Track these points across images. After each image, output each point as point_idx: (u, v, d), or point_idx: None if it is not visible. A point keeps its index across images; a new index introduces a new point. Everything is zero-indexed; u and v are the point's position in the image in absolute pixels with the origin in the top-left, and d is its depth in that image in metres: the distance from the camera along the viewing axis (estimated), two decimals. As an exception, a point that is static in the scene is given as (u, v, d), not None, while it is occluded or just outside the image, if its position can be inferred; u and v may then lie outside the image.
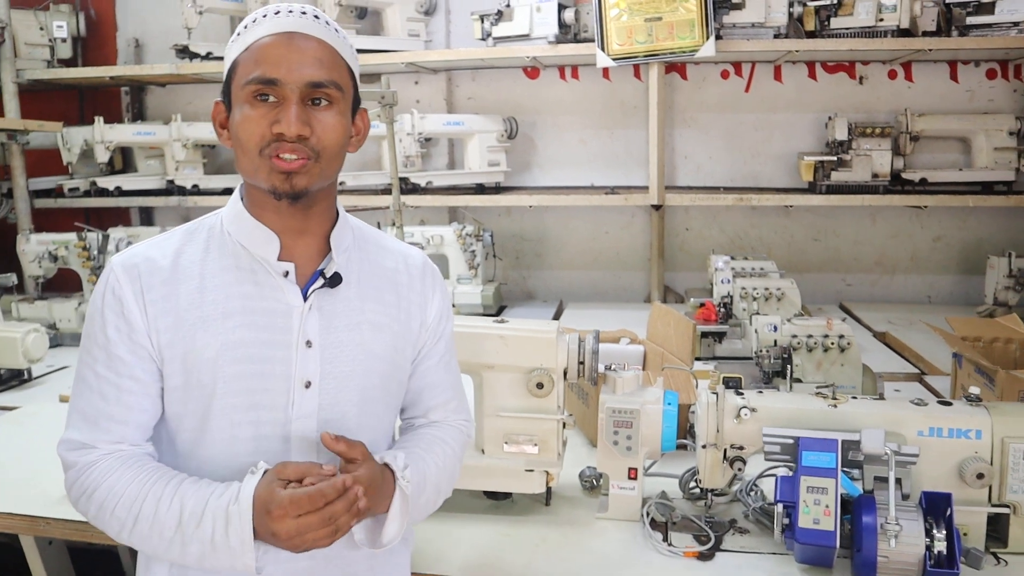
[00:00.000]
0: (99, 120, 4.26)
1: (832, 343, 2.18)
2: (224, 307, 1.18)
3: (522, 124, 4.20)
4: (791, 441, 1.50)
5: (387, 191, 4.13)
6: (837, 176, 3.71)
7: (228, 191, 4.41)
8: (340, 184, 4.18)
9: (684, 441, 1.83)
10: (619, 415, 1.62)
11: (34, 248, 3.64)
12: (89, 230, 3.54)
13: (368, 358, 1.24)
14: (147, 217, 4.81)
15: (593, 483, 1.81)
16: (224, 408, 1.18)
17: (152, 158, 4.66)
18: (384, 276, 1.30)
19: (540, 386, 1.63)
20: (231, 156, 4.56)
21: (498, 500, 1.76)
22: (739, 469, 1.55)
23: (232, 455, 1.19)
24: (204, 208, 4.47)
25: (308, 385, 1.20)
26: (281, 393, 1.20)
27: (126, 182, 4.38)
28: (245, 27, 1.18)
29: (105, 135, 4.27)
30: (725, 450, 1.57)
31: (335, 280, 1.22)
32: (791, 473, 1.48)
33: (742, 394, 1.59)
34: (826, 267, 4.22)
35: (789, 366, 2.18)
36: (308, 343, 1.20)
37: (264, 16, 1.17)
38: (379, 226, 2.33)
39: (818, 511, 1.39)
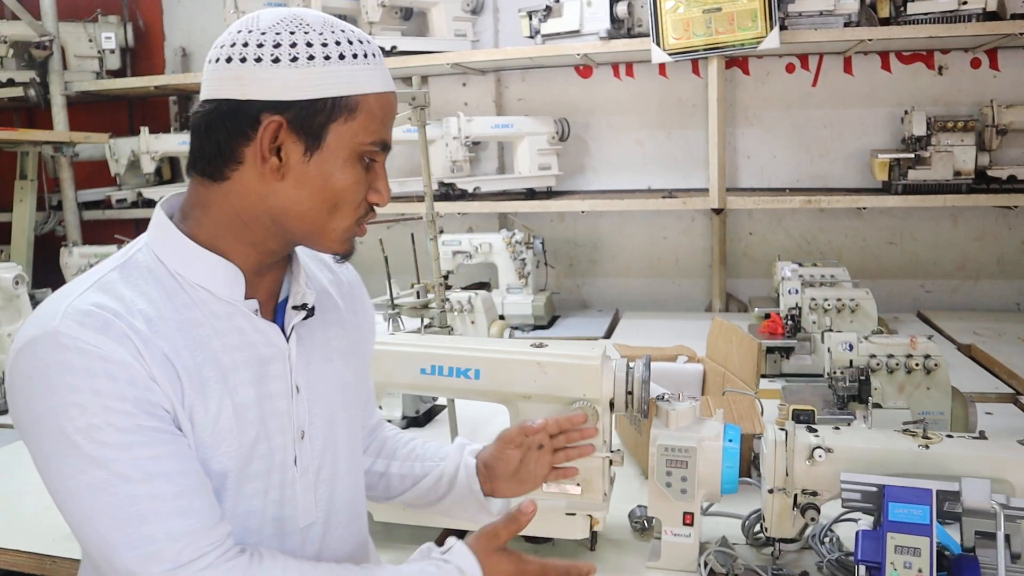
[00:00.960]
0: (144, 131, 4.24)
1: (917, 364, 1.94)
2: (216, 364, 1.00)
3: (575, 125, 4.03)
4: (875, 490, 1.28)
5: (434, 198, 4.00)
6: (915, 175, 3.43)
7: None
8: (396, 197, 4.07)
9: (749, 480, 1.62)
10: (673, 453, 1.42)
11: (76, 261, 3.61)
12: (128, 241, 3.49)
13: (345, 391, 1.14)
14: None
15: (644, 525, 1.62)
16: (238, 482, 1.02)
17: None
18: (327, 293, 1.17)
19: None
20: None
21: (537, 544, 1.58)
22: (811, 519, 1.34)
23: (241, 534, 1.04)
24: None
25: (303, 435, 1.07)
26: (284, 450, 1.06)
27: (171, 192, 4.33)
28: (341, 56, 0.97)
29: (151, 145, 4.25)
30: (796, 496, 1.36)
31: (311, 312, 1.08)
32: (876, 526, 1.27)
33: (815, 431, 1.38)
34: (902, 273, 3.92)
35: (867, 390, 1.95)
36: (297, 388, 1.07)
37: (366, 56, 0.99)
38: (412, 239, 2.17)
39: (909, 575, 1.17)
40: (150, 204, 4.25)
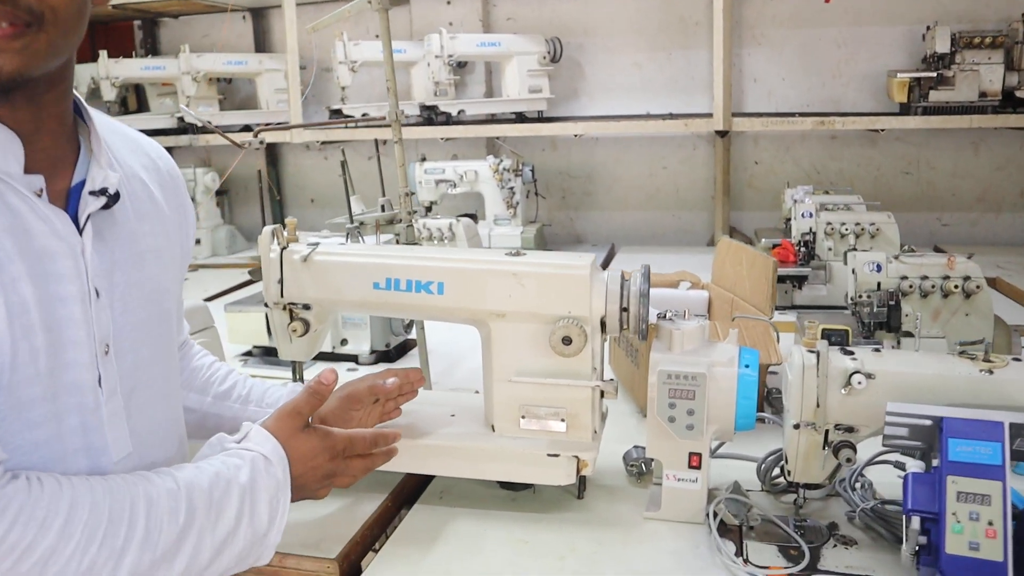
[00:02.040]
0: (103, 55, 3.92)
1: (955, 287, 1.68)
2: None
3: (568, 47, 3.72)
4: (928, 423, 1.03)
5: (416, 123, 3.71)
6: (936, 96, 3.14)
7: (247, 128, 4.07)
8: (363, 115, 3.78)
9: (763, 414, 1.38)
10: (677, 382, 1.17)
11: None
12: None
13: (161, 300, 0.99)
14: (163, 158, 4.45)
15: (642, 469, 1.38)
16: (18, 405, 0.80)
17: (165, 96, 4.33)
18: (140, 181, 0.99)
19: (567, 341, 1.19)
20: (252, 91, 4.20)
21: (515, 491, 1.34)
22: (847, 459, 1.09)
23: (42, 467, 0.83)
24: (219, 147, 4.11)
25: (107, 351, 0.88)
26: (85, 368, 0.85)
27: (135, 122, 4.02)
28: None
29: (111, 71, 3.94)
30: (827, 432, 1.11)
31: (113, 199, 0.89)
32: (928, 469, 1.02)
33: (852, 353, 1.13)
34: (918, 205, 3.65)
35: (897, 317, 1.70)
36: (96, 292, 0.87)
37: None
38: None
39: (977, 530, 0.93)
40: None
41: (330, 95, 4.07)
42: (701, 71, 3.69)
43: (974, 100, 3.10)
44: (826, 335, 1.17)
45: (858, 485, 1.28)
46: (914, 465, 1.03)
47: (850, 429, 1.11)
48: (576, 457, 1.23)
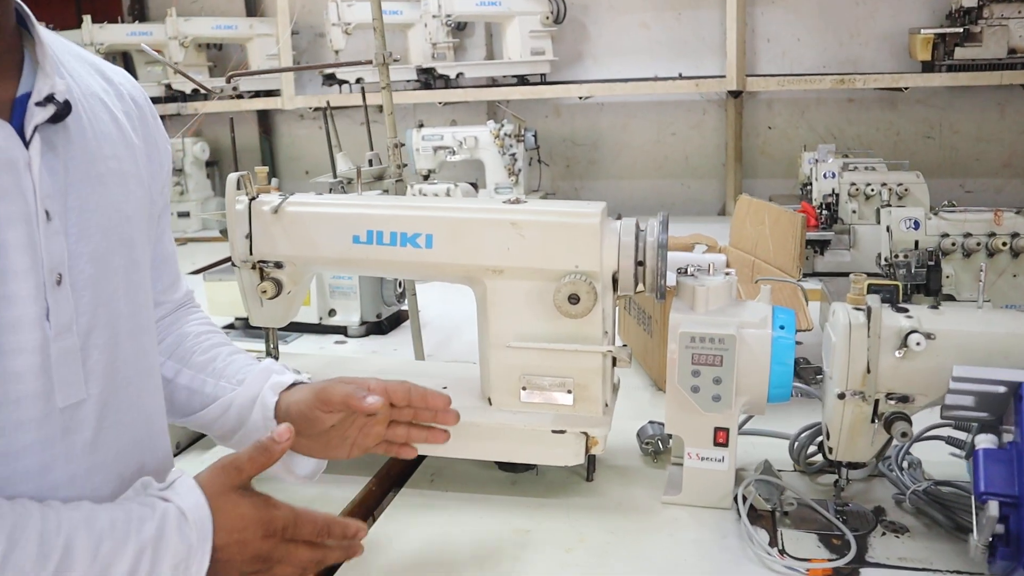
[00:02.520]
0: (87, 20, 3.75)
1: (1003, 244, 1.52)
2: None
3: (572, 7, 3.54)
4: (1002, 390, 0.87)
5: (414, 88, 3.54)
6: (962, 53, 2.96)
7: (240, 95, 3.89)
8: (358, 80, 3.61)
9: (797, 384, 1.22)
10: (702, 346, 1.01)
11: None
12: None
13: (127, 227, 0.85)
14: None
15: (659, 447, 1.22)
16: None
17: (154, 63, 4.15)
18: (99, 101, 0.86)
19: (574, 299, 1.03)
20: (244, 58, 4.03)
21: (516, 473, 1.19)
22: (902, 434, 0.94)
23: None
24: (210, 117, 3.94)
25: (60, 280, 0.73)
26: (28, 301, 0.71)
27: (120, 88, 3.85)
28: None
29: (95, 37, 3.77)
30: (877, 402, 0.96)
31: (64, 108, 0.76)
32: (1002, 445, 0.87)
33: (906, 311, 0.96)
34: (940, 170, 3.47)
35: (937, 279, 1.54)
36: (47, 214, 0.73)
37: None
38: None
39: (1069, 516, 0.77)
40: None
41: (324, 60, 3.89)
42: (712, 31, 3.51)
43: (1002, 57, 2.92)
44: (874, 292, 1.00)
45: (905, 464, 1.12)
46: (985, 441, 0.87)
47: (904, 399, 0.95)
48: (585, 434, 1.07)
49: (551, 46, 3.47)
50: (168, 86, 3.77)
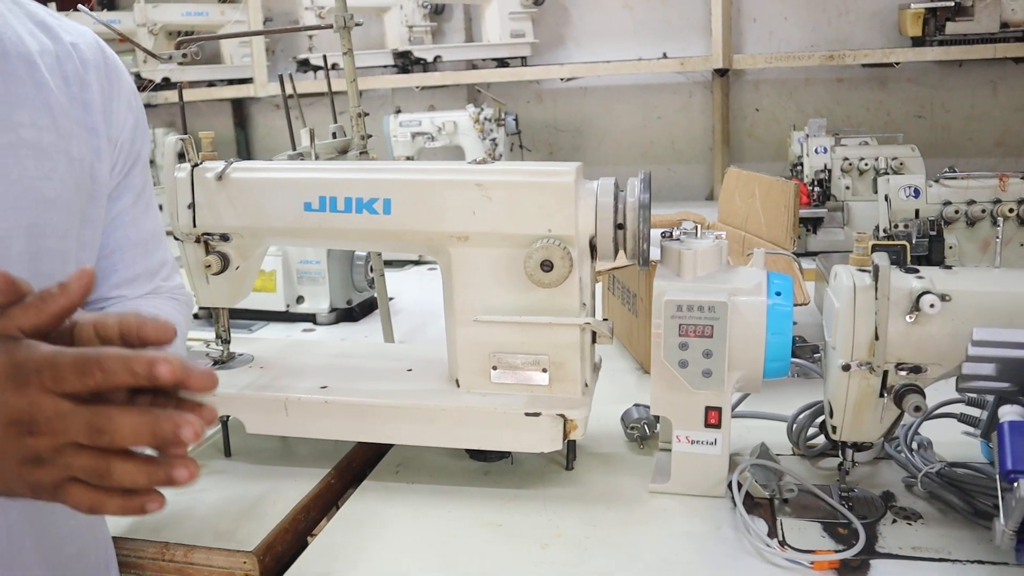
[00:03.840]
0: (52, 7, 3.61)
1: (1010, 211, 1.43)
2: None
3: (553, -12, 3.43)
4: (1028, 354, 0.77)
5: (391, 71, 3.42)
6: (953, 28, 2.87)
7: (212, 84, 3.78)
8: (333, 66, 3.50)
9: (795, 360, 1.12)
10: (690, 316, 0.91)
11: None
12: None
13: (35, 208, 0.74)
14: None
15: (645, 432, 1.12)
16: None
17: (125, 53, 4.02)
18: (27, 61, 0.76)
19: (547, 266, 0.93)
20: (216, 48, 3.90)
21: (488, 462, 1.08)
22: (915, 408, 0.83)
23: None
24: (171, 104, 3.82)
25: None
26: None
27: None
28: None
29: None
30: (886, 374, 0.85)
31: None
32: (1030, 415, 0.77)
33: (917, 271, 0.86)
34: (932, 150, 3.34)
35: (940, 250, 1.44)
36: None
37: None
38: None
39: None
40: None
41: (299, 48, 3.77)
42: (697, 12, 3.41)
43: (995, 31, 2.83)
44: (880, 252, 0.90)
45: (915, 445, 1.02)
46: (1011, 413, 0.78)
47: (917, 369, 0.85)
48: (562, 417, 0.96)
49: (532, 28, 3.36)
50: (137, 74, 3.64)
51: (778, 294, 0.92)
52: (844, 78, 3.36)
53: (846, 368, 0.86)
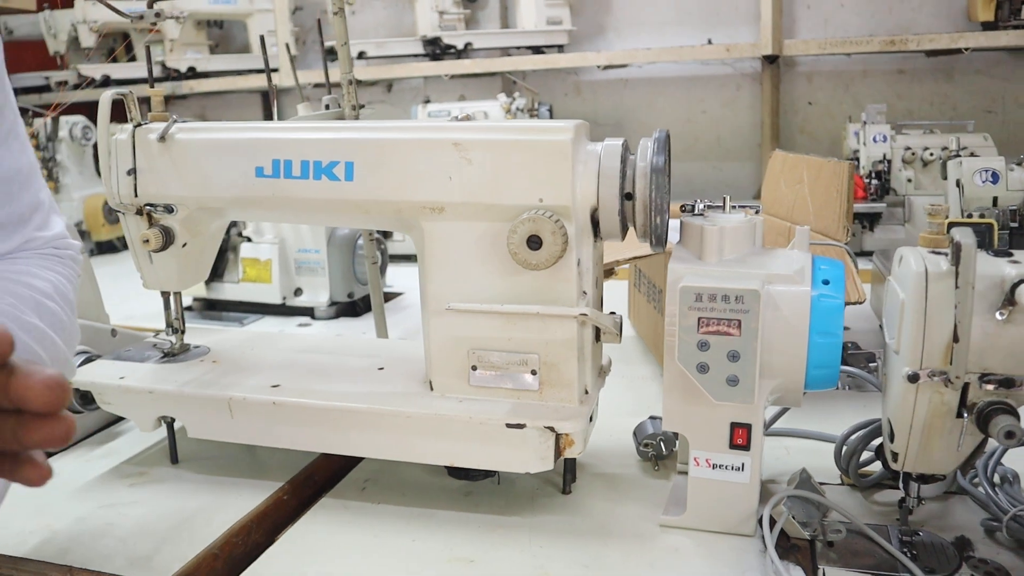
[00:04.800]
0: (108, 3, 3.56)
1: (1109, 199, 1.20)
2: None
3: (593, -27, 3.25)
4: None
5: (419, 58, 3.28)
6: (1031, 12, 2.62)
7: (237, 72, 3.68)
8: (360, 55, 3.37)
9: (848, 368, 0.92)
10: (712, 307, 0.72)
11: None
12: (36, 113, 2.85)
13: None
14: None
15: (660, 450, 0.93)
16: None
17: (152, 43, 3.96)
18: None
19: (535, 243, 0.75)
20: (245, 39, 3.81)
21: (471, 480, 0.90)
22: (1006, 434, 0.64)
23: None
24: (201, 94, 3.73)
25: None
26: None
27: (115, 70, 3.66)
28: None
29: (88, 15, 3.57)
30: (967, 387, 0.66)
31: None
32: None
33: (1010, 255, 0.66)
34: (1003, 149, 3.09)
35: (1022, 241, 1.23)
36: None
37: None
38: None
39: None
40: (107, 84, 3.55)
41: (327, 37, 3.65)
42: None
43: (1078, 16, 2.58)
44: (956, 232, 0.71)
45: (997, 479, 0.82)
46: None
47: (1008, 382, 0.65)
48: (551, 430, 0.78)
49: (569, 15, 3.19)
50: (162, 64, 3.57)
51: (826, 283, 0.72)
52: (906, 69, 3.11)
53: (913, 379, 0.66)
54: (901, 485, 0.75)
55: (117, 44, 4.13)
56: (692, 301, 0.72)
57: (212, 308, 1.78)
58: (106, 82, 3.57)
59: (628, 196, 0.77)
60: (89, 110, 2.96)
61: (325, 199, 0.84)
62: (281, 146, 0.85)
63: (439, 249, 0.81)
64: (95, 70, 3.60)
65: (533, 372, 0.81)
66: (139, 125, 0.93)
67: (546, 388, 0.81)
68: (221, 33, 3.94)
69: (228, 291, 1.73)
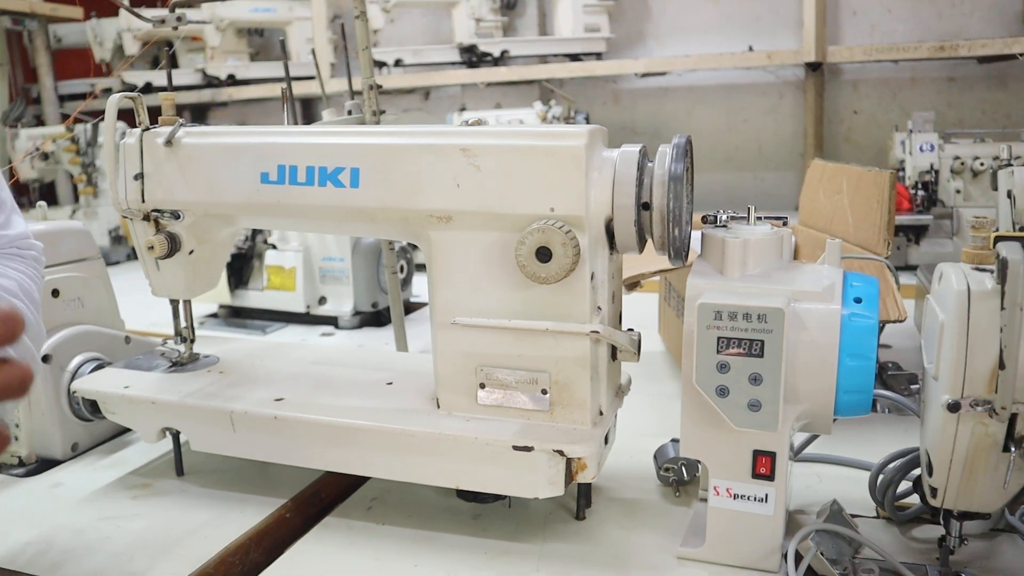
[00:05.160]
0: (125, 3, 3.61)
1: None
2: None
3: (632, -20, 3.21)
4: None
5: (456, 66, 3.26)
6: (1091, 18, 2.50)
7: (277, 79, 3.69)
8: (397, 63, 3.36)
9: (884, 392, 0.86)
10: (732, 325, 0.67)
11: (24, 144, 3.01)
12: (78, 119, 2.89)
13: None
14: (199, 117, 4.13)
15: (682, 476, 0.88)
16: None
17: (194, 51, 4.01)
18: None
19: (544, 255, 0.71)
20: (276, 49, 3.82)
21: (481, 503, 0.86)
22: (1057, 470, 0.58)
23: None
24: (240, 101, 3.75)
25: None
26: None
27: (158, 77, 3.71)
28: None
29: (132, 24, 3.63)
30: (1014, 418, 0.60)
31: None
32: None
33: (1064, 273, 0.60)
34: (1060, 160, 2.99)
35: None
36: None
37: None
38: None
39: None
40: (148, 91, 3.59)
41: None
42: (789, 5, 3.13)
43: None
44: (1001, 243, 0.65)
45: (1048, 514, 0.75)
46: None
47: (1061, 414, 0.59)
48: (560, 453, 0.74)
49: (607, 23, 3.14)
50: (202, 71, 3.60)
51: (858, 301, 0.67)
52: (956, 76, 3.01)
53: (954, 408, 0.61)
54: (941, 522, 0.69)
55: (161, 52, 4.20)
56: (711, 319, 0.67)
57: (237, 315, 1.77)
58: (148, 89, 3.61)
59: (645, 206, 0.72)
60: (130, 117, 2.99)
61: (330, 206, 0.81)
62: (287, 151, 0.82)
63: (446, 260, 0.77)
64: (138, 77, 3.64)
65: (544, 391, 0.77)
66: (147, 129, 0.90)
67: (557, 408, 0.77)
68: (262, 41, 3.97)
69: (253, 299, 1.71)
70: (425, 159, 0.76)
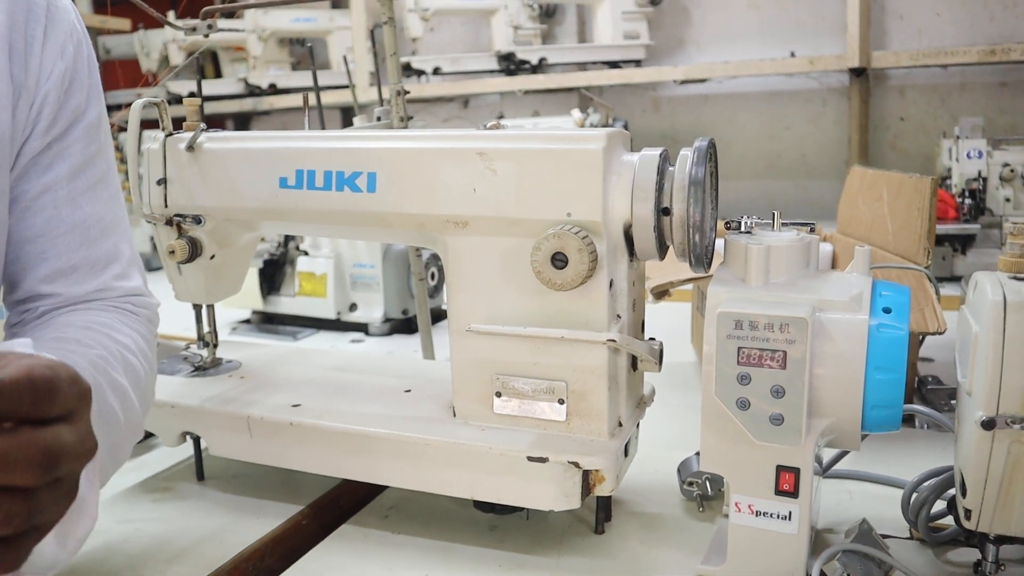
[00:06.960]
0: (171, 15, 3.69)
1: None
2: None
3: (673, -14, 3.18)
4: None
5: (495, 74, 3.26)
6: None
7: (318, 88, 3.75)
8: (436, 71, 3.37)
9: (913, 407, 0.82)
10: (753, 335, 0.64)
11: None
12: (122, 128, 2.95)
13: None
14: (242, 125, 4.20)
15: (706, 490, 0.85)
16: None
17: (238, 61, 4.08)
18: None
19: (560, 261, 0.69)
20: (324, 56, 3.87)
21: (499, 514, 0.84)
22: (1100, 493, 0.54)
23: None
24: (281, 110, 3.80)
25: None
26: None
27: (203, 87, 3.77)
28: None
29: (177, 34, 3.70)
30: (1053, 437, 0.56)
31: None
32: None
33: (1108, 284, 0.57)
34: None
35: None
36: None
37: None
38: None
39: None
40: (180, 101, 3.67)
41: (403, 52, 3.68)
42: (832, 9, 3.06)
43: None
44: (1046, 256, 0.61)
45: (1094, 539, 0.71)
46: None
47: (1104, 433, 0.55)
48: (575, 465, 0.72)
49: (647, 30, 3.12)
50: (244, 80, 3.66)
51: (887, 311, 0.64)
52: (1009, 81, 2.92)
53: (988, 425, 0.57)
54: (977, 544, 0.66)
55: (206, 62, 4.28)
56: (731, 328, 0.64)
57: (270, 321, 1.78)
58: (190, 97, 3.68)
59: (665, 211, 0.70)
60: (174, 125, 3.05)
61: (346, 211, 0.80)
62: (305, 156, 0.81)
63: (463, 266, 0.76)
64: (183, 86, 3.71)
65: (560, 401, 0.75)
66: (170, 134, 0.91)
67: (574, 419, 0.75)
68: (304, 51, 4.02)
69: (284, 305, 1.72)
70: (441, 163, 0.75)
